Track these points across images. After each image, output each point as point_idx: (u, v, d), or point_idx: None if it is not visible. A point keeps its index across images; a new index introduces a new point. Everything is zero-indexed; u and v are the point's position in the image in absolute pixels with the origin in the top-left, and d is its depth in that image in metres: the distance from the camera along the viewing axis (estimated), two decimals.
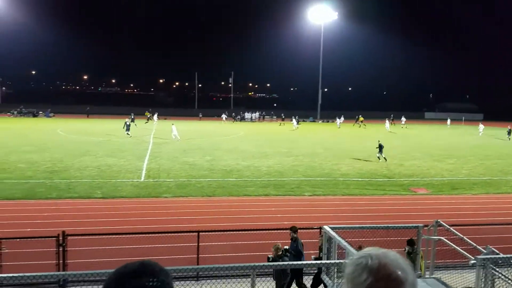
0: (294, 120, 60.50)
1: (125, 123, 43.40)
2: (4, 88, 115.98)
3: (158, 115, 66.53)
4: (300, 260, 10.57)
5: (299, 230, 11.34)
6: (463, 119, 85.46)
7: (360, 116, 68.60)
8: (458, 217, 16.43)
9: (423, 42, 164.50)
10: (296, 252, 10.80)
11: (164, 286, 1.30)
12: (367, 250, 1.40)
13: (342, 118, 67.64)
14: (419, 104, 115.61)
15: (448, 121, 74.62)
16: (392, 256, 1.36)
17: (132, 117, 57.84)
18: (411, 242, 10.15)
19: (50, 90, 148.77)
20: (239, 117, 79.21)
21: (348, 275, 1.36)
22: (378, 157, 29.87)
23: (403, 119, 68.74)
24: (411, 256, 9.71)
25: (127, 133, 42.14)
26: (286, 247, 10.86)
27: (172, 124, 43.82)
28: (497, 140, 49.16)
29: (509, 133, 49.07)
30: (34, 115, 72.41)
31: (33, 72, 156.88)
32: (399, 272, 1.31)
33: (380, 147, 29.78)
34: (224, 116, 72.31)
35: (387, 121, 61.02)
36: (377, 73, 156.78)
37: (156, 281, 1.29)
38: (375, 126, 66.01)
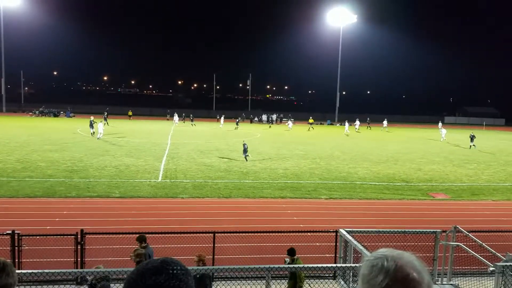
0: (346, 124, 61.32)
1: (90, 121, 42.96)
2: (26, 88, 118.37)
3: (181, 115, 67.61)
4: None
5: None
6: (484, 124, 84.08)
7: (310, 117, 67.21)
8: (478, 223, 16.15)
9: (443, 45, 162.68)
10: None
11: (182, 285, 1.31)
12: (382, 251, 1.39)
13: (358, 122, 64.31)
14: (439, 108, 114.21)
15: (440, 124, 68.54)
16: (407, 257, 1.35)
17: (105, 115, 58.01)
18: (291, 252, 10.00)
19: (71, 90, 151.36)
20: (256, 119, 79.28)
21: (363, 277, 1.35)
22: (245, 157, 29.63)
23: (385, 122, 66.06)
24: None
25: (92, 132, 41.69)
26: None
27: (100, 121, 43.11)
28: None
29: (472, 139, 42.31)
30: (55, 115, 73.65)
31: (55, 73, 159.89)
32: (415, 274, 1.31)
33: (244, 147, 29.70)
34: (176, 117, 65.67)
35: (346, 123, 59.06)
36: (396, 76, 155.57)
37: (175, 280, 1.31)
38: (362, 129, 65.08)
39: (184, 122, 67.30)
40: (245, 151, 29.57)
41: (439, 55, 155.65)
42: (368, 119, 71.64)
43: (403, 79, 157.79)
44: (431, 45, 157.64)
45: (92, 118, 44.01)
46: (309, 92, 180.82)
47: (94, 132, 41.66)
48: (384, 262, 1.33)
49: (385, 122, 66.37)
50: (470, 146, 41.99)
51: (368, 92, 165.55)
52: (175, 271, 1.33)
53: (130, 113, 74.93)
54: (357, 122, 63.72)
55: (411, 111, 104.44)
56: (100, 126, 40.37)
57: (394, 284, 1.28)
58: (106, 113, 59.44)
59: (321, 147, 39.96)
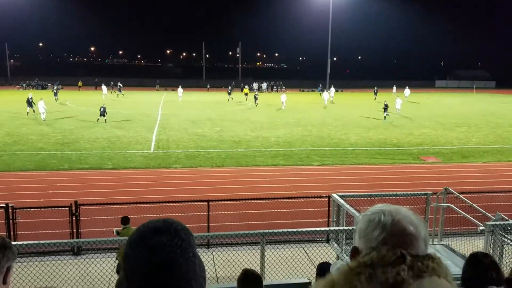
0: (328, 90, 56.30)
1: (28, 99, 35.84)
2: (12, 61, 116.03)
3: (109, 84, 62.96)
4: None
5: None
6: (474, 87, 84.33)
7: (246, 87, 62.08)
8: (468, 185, 16.41)
9: (433, 9, 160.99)
10: None
11: (184, 244, 1.30)
12: (379, 206, 1.38)
13: (333, 89, 60.04)
14: (430, 72, 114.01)
15: (376, 89, 62.79)
16: (404, 211, 1.34)
17: (55, 89, 50.83)
18: (123, 220, 9.59)
19: (58, 62, 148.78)
20: (247, 87, 78.66)
21: (360, 231, 1.34)
22: (104, 120, 31.89)
23: (407, 91, 61.07)
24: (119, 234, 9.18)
25: (30, 111, 35.31)
26: None
27: (41, 99, 34.71)
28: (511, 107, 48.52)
29: (385, 109, 35.85)
30: (43, 88, 72.60)
31: (41, 45, 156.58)
32: (412, 228, 1.29)
33: (101, 111, 32.18)
34: (104, 87, 57.69)
35: (325, 92, 53.01)
36: (387, 41, 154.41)
37: (177, 239, 1.29)
38: (365, 95, 65.00)
39: (112, 92, 61.00)
40: (102, 114, 31.94)
41: (430, 19, 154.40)
42: (331, 86, 65.55)
43: (394, 44, 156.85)
44: (421, 9, 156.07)
45: (30, 95, 37.53)
46: (300, 59, 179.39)
47: (34, 111, 35.37)
48: (381, 217, 1.32)
49: (406, 91, 61.28)
50: (385, 117, 35.64)
51: (359, 57, 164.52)
52: (177, 230, 1.32)
53: (80, 83, 72.65)
54: (332, 89, 59.32)
55: (402, 76, 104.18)
56: (41, 105, 32.89)
57: (391, 238, 1.27)
58: (56, 87, 52.78)
59: (313, 114, 39.95)
